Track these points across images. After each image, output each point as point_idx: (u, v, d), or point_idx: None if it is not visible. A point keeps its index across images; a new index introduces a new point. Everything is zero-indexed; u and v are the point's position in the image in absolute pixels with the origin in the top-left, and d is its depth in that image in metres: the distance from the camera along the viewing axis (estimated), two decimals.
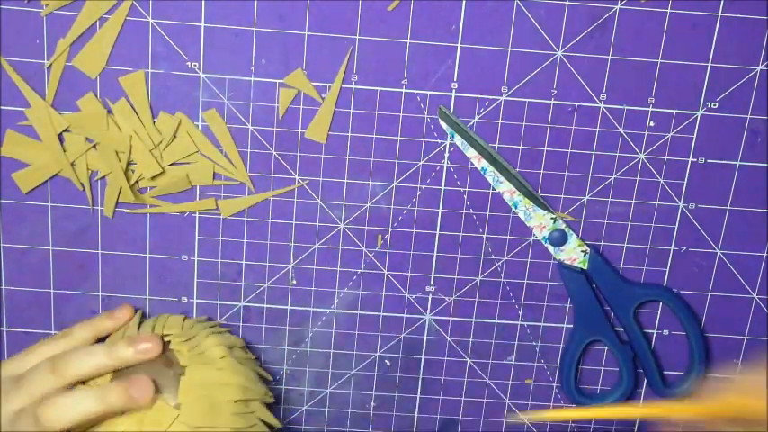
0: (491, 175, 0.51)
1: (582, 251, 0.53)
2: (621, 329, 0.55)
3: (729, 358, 0.56)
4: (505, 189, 0.52)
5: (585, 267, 0.53)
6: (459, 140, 0.50)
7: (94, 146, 0.50)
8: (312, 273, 0.54)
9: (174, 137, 0.50)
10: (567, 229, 0.52)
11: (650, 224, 0.53)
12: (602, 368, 0.56)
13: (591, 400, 0.55)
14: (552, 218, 0.52)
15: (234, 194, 0.52)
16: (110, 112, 0.49)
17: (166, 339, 0.48)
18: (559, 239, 0.52)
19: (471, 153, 0.51)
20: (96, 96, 0.49)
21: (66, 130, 0.49)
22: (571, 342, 0.54)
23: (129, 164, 0.50)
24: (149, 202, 0.51)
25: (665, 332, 0.55)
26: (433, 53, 0.49)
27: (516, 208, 0.52)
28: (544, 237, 0.53)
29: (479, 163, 0.51)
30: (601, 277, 0.53)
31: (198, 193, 0.52)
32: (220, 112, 0.50)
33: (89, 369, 0.46)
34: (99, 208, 0.52)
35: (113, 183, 0.50)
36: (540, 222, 0.52)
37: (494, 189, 0.52)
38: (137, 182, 0.51)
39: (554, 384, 0.57)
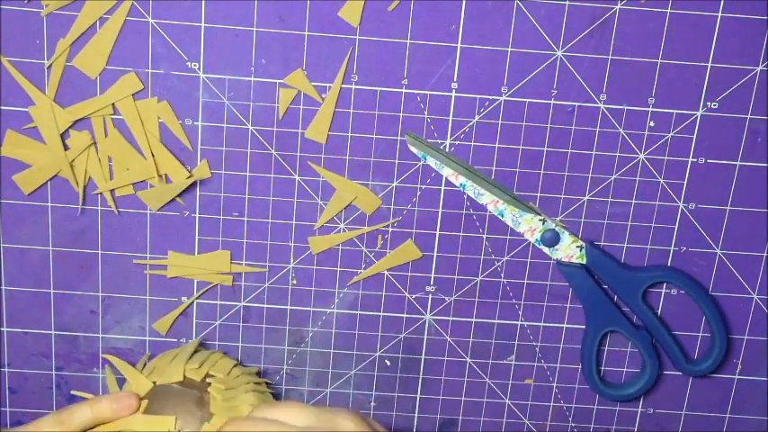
0: (471, 189, 0.51)
1: (577, 246, 0.53)
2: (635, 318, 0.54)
3: (729, 358, 0.56)
4: (488, 200, 0.51)
5: (584, 262, 0.53)
6: (432, 162, 0.51)
7: (94, 143, 0.50)
8: (312, 273, 0.54)
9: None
10: (558, 228, 0.52)
11: (650, 224, 0.53)
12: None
13: (617, 391, 0.55)
14: (540, 219, 0.52)
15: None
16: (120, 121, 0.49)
17: (208, 380, 0.49)
18: (552, 239, 0.52)
19: (447, 171, 0.51)
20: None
21: (68, 129, 0.49)
22: (586, 338, 0.54)
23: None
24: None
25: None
26: (433, 53, 0.49)
27: (503, 217, 0.52)
28: (537, 239, 0.53)
29: (457, 180, 0.51)
30: (601, 269, 0.53)
31: (198, 193, 0.52)
32: (221, 112, 0.50)
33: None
34: (98, 208, 0.52)
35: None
36: (529, 226, 0.52)
37: (477, 202, 0.52)
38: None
39: (554, 384, 0.57)
